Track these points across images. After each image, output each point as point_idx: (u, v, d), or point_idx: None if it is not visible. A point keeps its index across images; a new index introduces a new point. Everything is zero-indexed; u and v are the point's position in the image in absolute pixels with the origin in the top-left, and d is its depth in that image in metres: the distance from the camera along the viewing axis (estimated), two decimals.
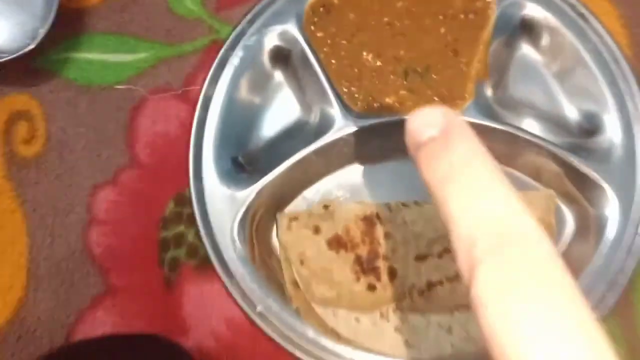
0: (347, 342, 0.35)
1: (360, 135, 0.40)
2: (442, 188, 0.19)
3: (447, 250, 0.36)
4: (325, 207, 0.39)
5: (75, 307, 0.41)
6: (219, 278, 0.39)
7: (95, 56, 0.45)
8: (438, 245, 0.37)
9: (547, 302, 0.16)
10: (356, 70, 0.40)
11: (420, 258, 0.37)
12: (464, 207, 0.18)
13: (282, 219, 0.39)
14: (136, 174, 0.42)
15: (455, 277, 0.36)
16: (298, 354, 0.36)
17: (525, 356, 0.15)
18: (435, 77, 0.40)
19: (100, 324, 0.40)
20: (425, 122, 0.21)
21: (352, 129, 0.39)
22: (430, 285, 0.36)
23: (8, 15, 0.45)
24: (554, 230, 0.37)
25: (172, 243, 0.42)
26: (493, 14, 0.39)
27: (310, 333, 0.36)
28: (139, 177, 0.42)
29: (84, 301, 0.41)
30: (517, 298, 0.16)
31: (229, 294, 0.39)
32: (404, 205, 0.38)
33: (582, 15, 0.39)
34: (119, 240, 0.41)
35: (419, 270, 0.36)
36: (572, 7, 0.39)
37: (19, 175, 0.43)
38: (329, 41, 0.41)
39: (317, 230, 0.38)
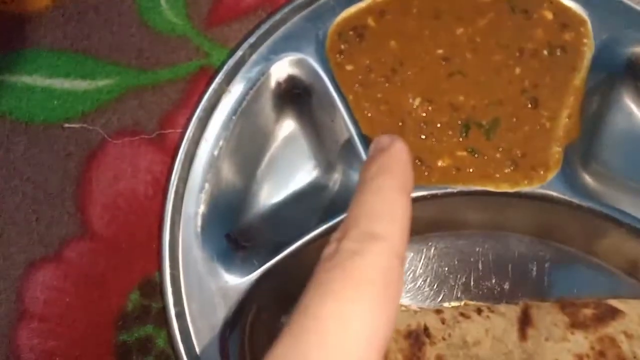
0: None
1: None
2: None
3: None
4: None
5: None
6: None
7: (38, 81, 0.36)
8: None
9: None
10: (398, 120, 0.32)
11: None
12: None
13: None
14: (88, 249, 0.33)
15: None
16: None
17: None
18: (506, 134, 0.31)
19: None
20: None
21: None
22: None
23: None
24: None
25: (135, 349, 0.32)
26: (589, 51, 0.30)
27: None
28: (91, 254, 0.33)
29: None
30: None
31: None
32: (462, 315, 0.28)
33: None
34: (60, 344, 0.33)
35: None
36: None
37: None
38: (360, 77, 0.33)
39: None
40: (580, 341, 0.28)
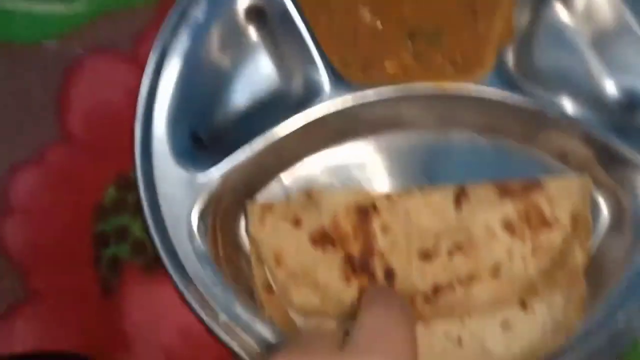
0: None
1: (353, 108, 0.36)
2: None
3: (459, 248, 0.33)
4: (308, 195, 0.35)
5: None
6: (172, 281, 0.35)
7: (17, 5, 0.39)
8: (448, 242, 0.33)
9: None
10: (351, 31, 0.37)
11: (426, 256, 0.33)
12: None
13: (254, 209, 0.36)
14: (67, 152, 0.38)
15: (469, 279, 0.33)
16: None
17: None
18: (447, 39, 0.36)
19: (19, 338, 0.36)
20: None
21: (344, 101, 0.36)
22: (438, 290, 0.33)
23: None
24: (589, 226, 0.35)
25: (113, 238, 0.37)
26: None
27: None
28: (70, 156, 0.38)
29: None
30: None
31: (185, 300, 0.35)
32: (406, 193, 0.32)
33: None
34: (42, 234, 0.37)
35: (424, 271, 0.33)
36: None
37: None
38: None
39: (297, 222, 0.34)
40: (508, 207, 0.32)
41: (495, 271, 0.32)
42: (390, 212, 0.34)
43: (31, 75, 0.38)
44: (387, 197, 0.34)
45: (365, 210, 0.34)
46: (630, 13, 0.35)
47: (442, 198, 0.34)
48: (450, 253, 0.33)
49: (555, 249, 0.32)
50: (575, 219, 0.33)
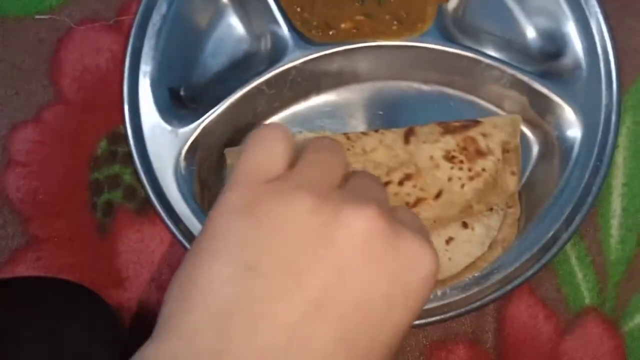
0: None
1: (315, 63, 0.40)
2: None
3: (408, 177, 0.36)
4: None
5: None
6: (162, 220, 0.39)
7: None
8: (398, 173, 0.37)
9: None
10: None
11: None
12: None
13: (231, 155, 0.39)
14: (62, 111, 0.40)
15: (416, 203, 0.36)
16: None
17: None
18: (392, 0, 0.39)
19: None
20: None
21: (306, 57, 0.40)
22: None
23: None
24: (519, 152, 0.39)
25: (106, 185, 0.39)
26: None
27: None
28: (65, 114, 0.40)
29: (0, 255, 0.37)
30: None
31: (175, 237, 0.38)
32: (363, 134, 0.37)
33: None
34: (42, 184, 0.40)
35: None
36: None
37: None
38: None
39: None
40: (449, 141, 0.37)
41: (438, 195, 0.37)
42: (349, 150, 0.38)
43: (25, 45, 0.41)
44: (347, 136, 0.39)
45: None
46: None
47: (393, 136, 0.38)
48: (400, 182, 0.37)
49: (488, 174, 0.37)
50: (506, 149, 0.38)
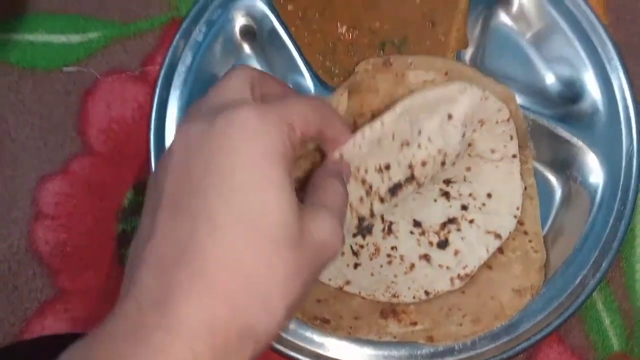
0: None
1: None
2: None
3: None
4: None
5: (20, 315, 0.38)
6: None
7: (39, 37, 0.44)
8: None
9: None
10: (330, 44, 0.41)
11: None
12: None
13: None
14: (89, 163, 0.40)
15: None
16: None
17: None
18: (412, 47, 0.41)
19: (50, 332, 0.38)
20: None
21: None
22: None
23: None
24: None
25: (133, 236, 0.38)
26: None
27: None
28: (92, 166, 0.40)
29: (30, 308, 0.38)
30: None
31: None
32: None
33: None
34: (70, 236, 0.40)
35: None
36: None
37: None
38: (300, 14, 0.42)
39: None
40: None
41: None
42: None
43: (53, 97, 0.41)
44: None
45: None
46: (555, 12, 0.40)
47: None
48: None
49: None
50: None
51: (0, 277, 0.38)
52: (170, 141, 0.38)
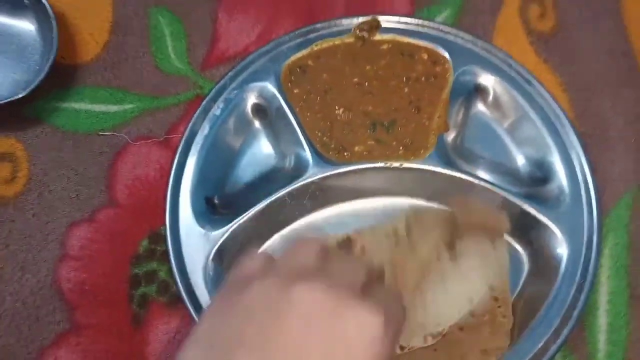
0: None
1: (332, 180, 0.45)
2: None
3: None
4: None
5: (37, 344, 0.42)
6: (190, 315, 0.42)
7: (82, 106, 0.50)
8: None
9: None
10: (328, 123, 0.46)
11: None
12: None
13: None
14: (113, 213, 0.45)
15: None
16: None
17: None
18: (400, 129, 0.46)
19: None
20: None
21: (324, 174, 0.44)
22: None
23: (4, 67, 0.48)
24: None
25: (144, 279, 0.44)
26: (451, 78, 0.45)
27: None
28: (115, 216, 0.45)
29: (47, 338, 0.42)
30: None
31: None
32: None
33: (528, 81, 0.46)
34: (89, 276, 0.45)
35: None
36: (520, 74, 0.46)
37: None
38: (304, 97, 0.47)
39: None
40: None
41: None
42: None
43: (89, 156, 0.47)
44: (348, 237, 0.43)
45: (343, 241, 0.42)
46: (526, 104, 0.45)
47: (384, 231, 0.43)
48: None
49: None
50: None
51: (26, 309, 0.42)
52: (186, 205, 0.44)
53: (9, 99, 0.46)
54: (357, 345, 0.26)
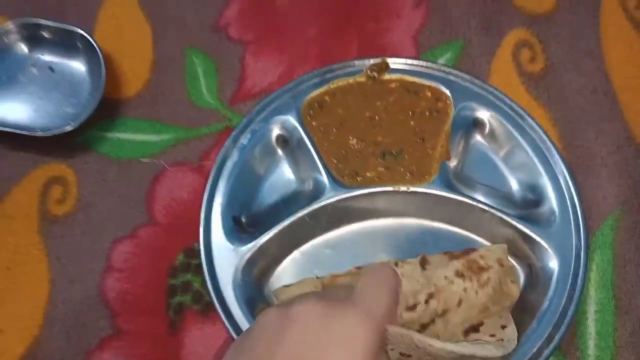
0: None
1: (346, 202, 0.50)
2: None
3: (431, 296, 0.42)
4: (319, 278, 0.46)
5: (84, 347, 0.46)
6: (221, 321, 0.47)
7: (126, 136, 0.56)
8: (423, 295, 0.42)
9: None
10: (343, 151, 0.51)
11: (412, 308, 0.42)
12: None
13: (280, 293, 0.46)
14: (152, 230, 0.50)
15: (443, 313, 0.42)
16: None
17: None
18: (406, 157, 0.51)
19: None
20: None
21: (339, 196, 0.49)
22: (425, 327, 0.42)
23: (57, 102, 0.55)
24: (512, 268, 0.45)
25: (179, 290, 0.48)
26: (452, 113, 0.51)
27: None
28: (154, 233, 0.50)
29: (92, 342, 0.46)
30: None
31: (232, 337, 0.46)
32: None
33: (520, 116, 0.51)
34: (131, 287, 0.49)
35: (413, 317, 0.42)
36: (513, 110, 0.52)
37: (49, 230, 0.51)
38: (321, 129, 0.52)
39: None
40: (456, 264, 0.44)
41: (459, 303, 0.42)
42: None
43: (131, 180, 0.53)
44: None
45: None
46: (519, 136, 0.51)
47: (411, 267, 0.44)
48: (426, 301, 0.42)
49: (493, 281, 0.43)
50: (501, 264, 0.44)
51: (75, 316, 0.47)
52: (217, 223, 0.49)
53: (61, 130, 0.52)
54: (346, 340, 0.30)
